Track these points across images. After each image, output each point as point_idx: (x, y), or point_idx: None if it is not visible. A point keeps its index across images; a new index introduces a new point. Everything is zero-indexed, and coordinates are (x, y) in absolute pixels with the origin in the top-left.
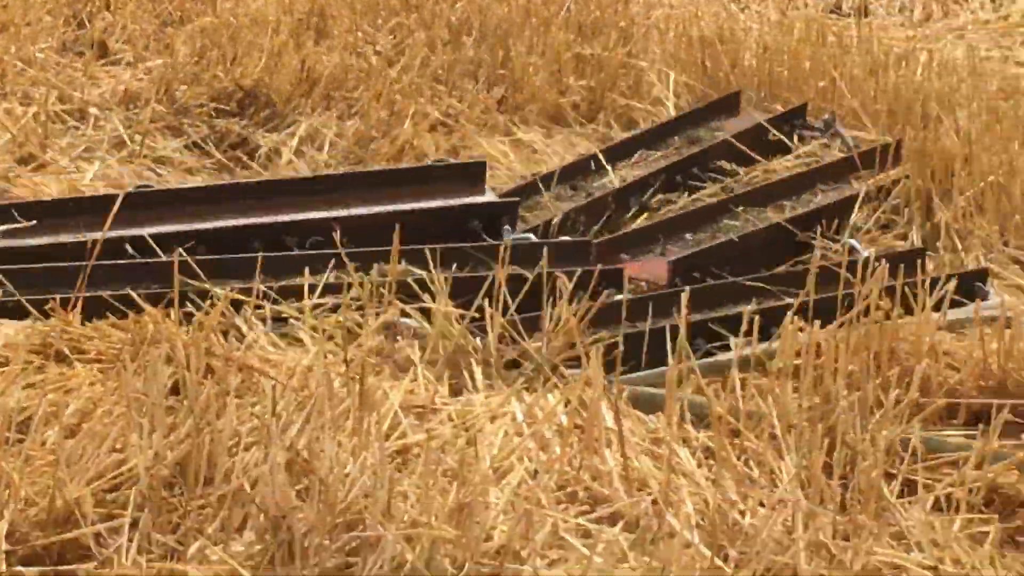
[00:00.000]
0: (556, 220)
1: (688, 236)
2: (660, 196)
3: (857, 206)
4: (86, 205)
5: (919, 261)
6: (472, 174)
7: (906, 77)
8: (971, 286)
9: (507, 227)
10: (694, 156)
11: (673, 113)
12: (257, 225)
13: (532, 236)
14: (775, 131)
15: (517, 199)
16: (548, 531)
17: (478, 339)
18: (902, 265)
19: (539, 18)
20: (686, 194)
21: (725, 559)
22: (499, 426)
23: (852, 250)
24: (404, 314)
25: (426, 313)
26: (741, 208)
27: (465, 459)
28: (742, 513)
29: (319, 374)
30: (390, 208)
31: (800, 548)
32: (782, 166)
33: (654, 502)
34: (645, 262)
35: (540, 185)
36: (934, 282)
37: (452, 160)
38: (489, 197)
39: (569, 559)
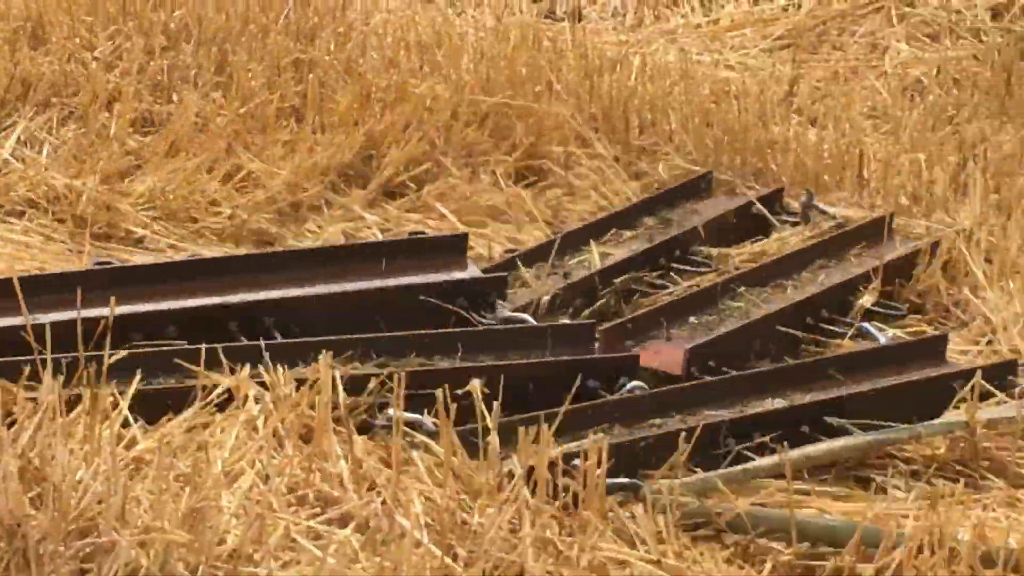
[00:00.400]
0: (544, 300)
1: (692, 319)
2: (645, 278)
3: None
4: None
5: (941, 348)
6: (453, 247)
7: (620, 81)
8: (1002, 377)
9: (501, 302)
10: (677, 237)
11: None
12: (230, 305)
13: (529, 318)
14: (757, 212)
15: (505, 274)
16: (280, 534)
17: None
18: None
19: (258, 25)
20: (671, 276)
21: (455, 558)
22: (231, 431)
23: (867, 334)
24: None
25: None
26: (742, 288)
27: (197, 464)
28: (470, 512)
29: (49, 381)
30: (372, 285)
31: (527, 545)
32: (767, 247)
33: (383, 503)
34: (658, 350)
35: (519, 263)
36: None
37: (431, 232)
38: (472, 271)
39: (302, 561)
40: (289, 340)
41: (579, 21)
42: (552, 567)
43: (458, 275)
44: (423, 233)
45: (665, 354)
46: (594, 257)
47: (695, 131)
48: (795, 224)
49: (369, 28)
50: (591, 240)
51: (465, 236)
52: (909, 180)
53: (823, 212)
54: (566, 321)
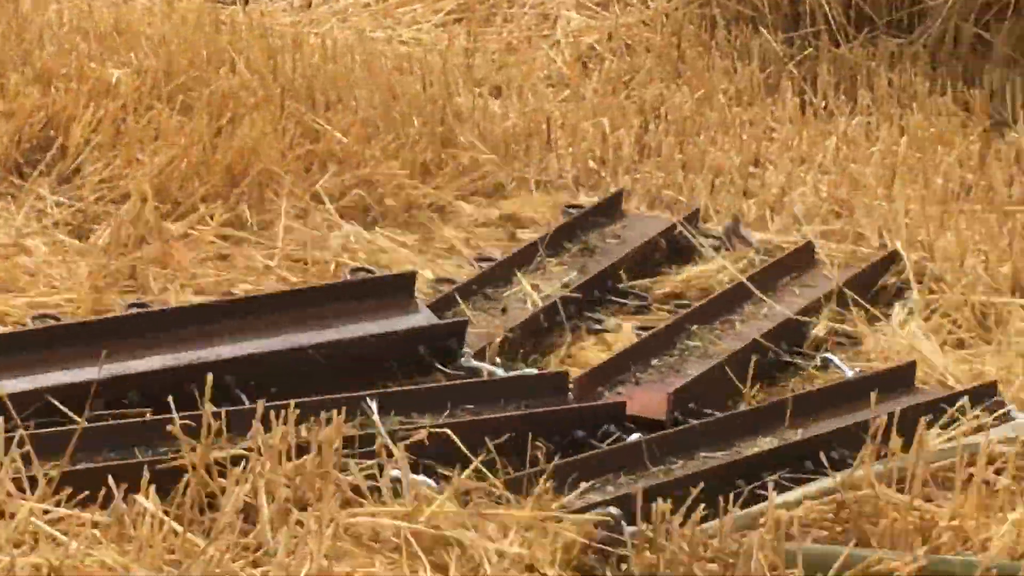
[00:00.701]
0: (496, 342)
1: (654, 361)
2: (585, 313)
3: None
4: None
5: (910, 375)
6: (398, 288)
7: (303, 60)
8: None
9: (466, 350)
10: (607, 269)
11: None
12: (188, 366)
13: (496, 368)
14: (682, 237)
15: (465, 320)
16: (21, 520)
17: None
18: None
19: None
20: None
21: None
22: None
23: (831, 365)
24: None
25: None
26: (696, 327)
27: None
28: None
29: None
30: (334, 336)
31: (265, 521)
32: (694, 275)
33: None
34: (638, 396)
35: (457, 297)
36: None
37: (374, 272)
38: (425, 315)
39: (44, 546)
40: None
41: (248, 3)
42: (296, 535)
43: (418, 322)
44: (370, 271)
45: (646, 399)
46: (526, 289)
47: (382, 105)
48: (716, 249)
49: (44, 20)
50: (517, 270)
51: (413, 275)
52: (595, 144)
53: (743, 238)
54: (532, 370)
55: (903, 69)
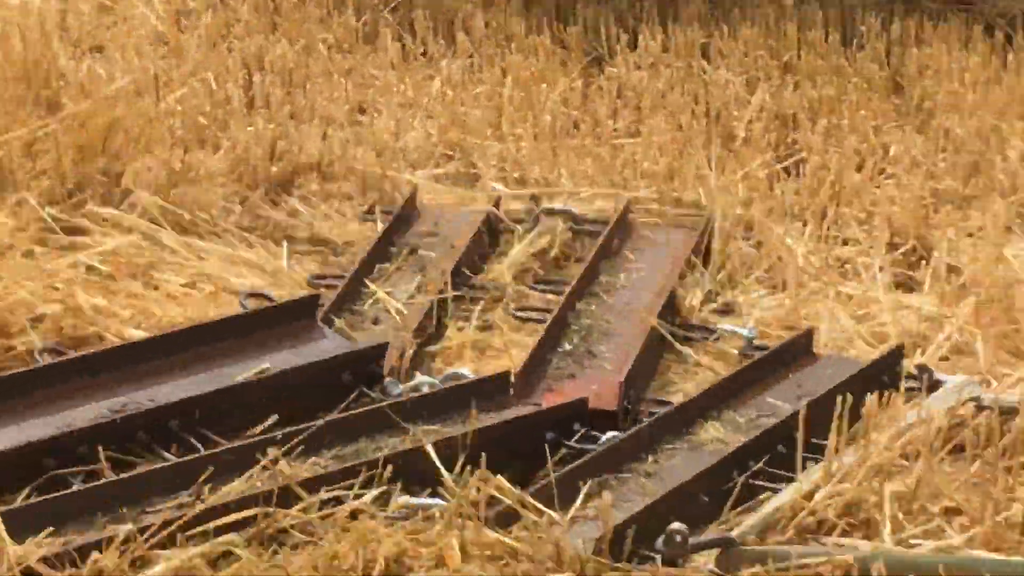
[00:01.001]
0: (408, 353)
1: (567, 346)
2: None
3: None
4: None
5: (809, 342)
6: (301, 312)
7: None
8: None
9: (390, 379)
10: (454, 266)
11: None
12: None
13: (433, 379)
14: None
15: (386, 343)
16: None
17: None
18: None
19: None
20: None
21: None
22: None
23: (721, 332)
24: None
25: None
26: (580, 306)
27: None
28: None
29: None
30: (249, 371)
31: None
32: (522, 257)
33: None
34: (588, 386)
35: (332, 318)
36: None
37: (270, 295)
38: (336, 340)
39: None
40: (236, 444)
41: None
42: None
43: (334, 347)
44: (267, 297)
45: (598, 390)
46: (384, 297)
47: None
48: (528, 230)
49: None
50: (366, 281)
51: (316, 298)
52: (204, 100)
53: (552, 211)
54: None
55: (498, 10)
